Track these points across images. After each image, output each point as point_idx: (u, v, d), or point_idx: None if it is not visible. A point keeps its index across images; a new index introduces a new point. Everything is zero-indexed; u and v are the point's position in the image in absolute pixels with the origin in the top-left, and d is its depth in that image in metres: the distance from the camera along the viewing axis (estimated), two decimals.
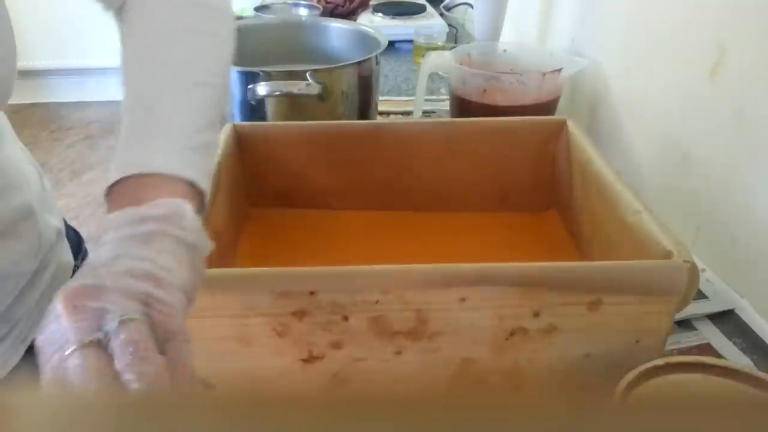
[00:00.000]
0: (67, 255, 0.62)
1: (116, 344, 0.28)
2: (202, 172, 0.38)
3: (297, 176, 0.67)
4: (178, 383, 0.29)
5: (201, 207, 0.37)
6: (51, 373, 0.28)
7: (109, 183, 0.36)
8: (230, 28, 0.47)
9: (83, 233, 0.69)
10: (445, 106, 0.95)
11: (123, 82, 0.42)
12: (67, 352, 0.28)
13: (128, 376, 0.28)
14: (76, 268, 0.62)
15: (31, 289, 0.55)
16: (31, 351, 0.56)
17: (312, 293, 0.42)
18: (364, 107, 0.83)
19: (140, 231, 0.32)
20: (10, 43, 0.45)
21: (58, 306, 0.29)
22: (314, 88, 0.73)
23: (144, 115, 0.39)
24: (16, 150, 0.57)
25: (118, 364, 0.28)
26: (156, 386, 0.28)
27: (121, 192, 0.36)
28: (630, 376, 0.41)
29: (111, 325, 0.29)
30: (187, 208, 0.34)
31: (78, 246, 0.65)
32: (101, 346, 0.28)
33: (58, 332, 0.29)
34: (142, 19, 0.44)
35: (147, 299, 0.30)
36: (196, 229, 0.34)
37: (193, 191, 0.37)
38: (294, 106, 0.76)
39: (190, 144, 0.39)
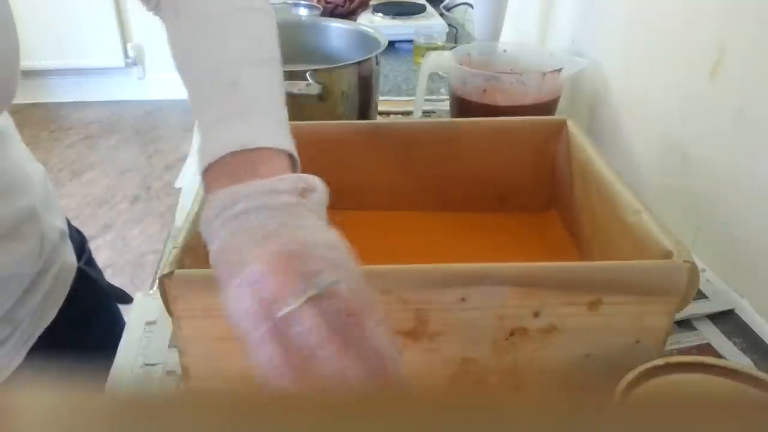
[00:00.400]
0: (70, 256, 0.62)
1: (335, 306, 0.28)
2: (293, 144, 0.38)
3: None
4: (388, 351, 0.29)
5: None
6: (269, 333, 0.27)
7: (212, 160, 0.35)
8: (271, 4, 0.47)
9: (85, 233, 0.69)
10: (445, 106, 0.95)
11: (187, 62, 0.41)
12: (284, 311, 0.27)
13: (356, 333, 0.28)
14: (79, 269, 0.62)
15: (34, 290, 0.55)
16: (33, 353, 0.56)
17: None
18: (364, 107, 0.83)
19: (282, 202, 0.32)
20: (13, 42, 0.44)
21: (261, 268, 0.28)
22: (314, 88, 0.73)
23: (230, 91, 0.38)
24: (20, 151, 0.56)
25: (340, 325, 0.28)
26: (381, 349, 0.28)
27: (226, 168, 0.35)
28: (630, 376, 0.41)
29: (323, 287, 0.28)
30: (318, 182, 0.34)
31: (81, 246, 0.65)
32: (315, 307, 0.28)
33: (267, 294, 0.28)
34: (193, 1, 0.43)
35: (345, 268, 0.30)
36: (324, 203, 0.34)
37: (294, 163, 0.37)
38: (294, 106, 0.75)
39: (279, 117, 0.39)
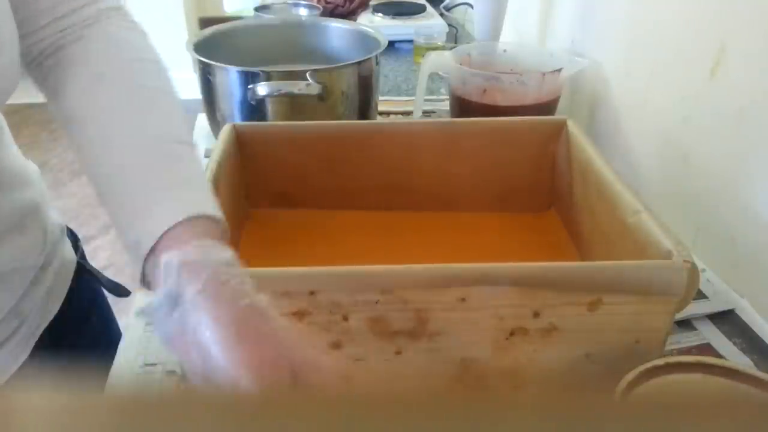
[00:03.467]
0: (69, 252, 0.63)
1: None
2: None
3: (297, 176, 0.67)
4: None
5: None
6: None
7: (169, 226, 0.36)
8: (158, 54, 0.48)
9: (83, 233, 0.69)
10: (445, 106, 0.95)
11: (122, 127, 0.41)
12: None
13: None
14: (78, 264, 0.63)
15: (38, 284, 0.56)
16: (37, 348, 0.56)
17: (312, 293, 0.42)
18: (364, 107, 0.83)
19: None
20: (10, 30, 0.43)
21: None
22: (314, 88, 0.73)
23: (176, 163, 0.40)
24: (15, 149, 0.57)
25: None
26: None
27: (181, 231, 0.36)
28: (630, 376, 0.41)
29: None
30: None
31: (74, 245, 0.66)
32: None
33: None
34: (115, 80, 0.44)
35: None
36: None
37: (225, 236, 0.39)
38: (294, 106, 0.76)
39: (209, 188, 0.41)
